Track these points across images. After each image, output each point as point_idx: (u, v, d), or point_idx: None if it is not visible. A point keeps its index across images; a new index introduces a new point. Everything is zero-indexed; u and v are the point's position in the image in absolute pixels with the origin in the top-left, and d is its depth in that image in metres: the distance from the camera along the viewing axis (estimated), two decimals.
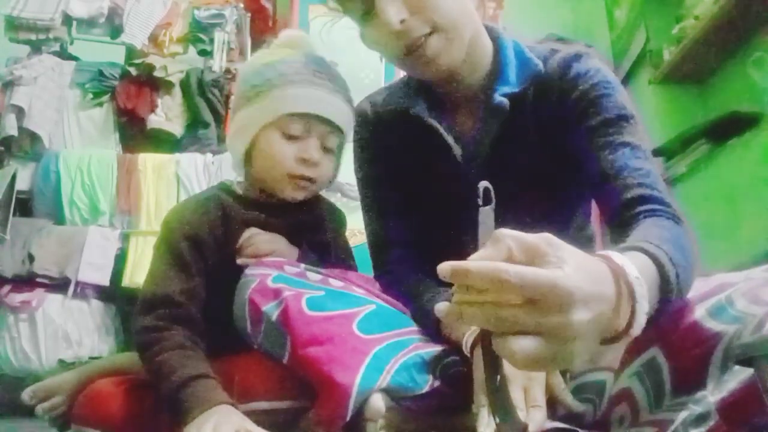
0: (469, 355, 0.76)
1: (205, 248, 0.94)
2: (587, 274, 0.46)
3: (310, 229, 1.04)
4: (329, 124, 0.97)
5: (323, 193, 1.10)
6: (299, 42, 1.04)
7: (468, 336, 0.76)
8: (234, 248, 0.96)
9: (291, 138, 0.95)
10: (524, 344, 0.44)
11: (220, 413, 0.74)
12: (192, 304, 0.89)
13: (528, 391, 0.67)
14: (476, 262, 0.46)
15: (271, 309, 0.78)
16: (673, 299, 0.59)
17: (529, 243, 0.46)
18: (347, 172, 1.09)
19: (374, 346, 0.76)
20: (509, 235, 0.47)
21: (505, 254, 0.46)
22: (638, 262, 0.54)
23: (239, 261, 0.93)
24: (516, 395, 0.65)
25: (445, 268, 0.46)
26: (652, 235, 0.63)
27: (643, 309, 0.51)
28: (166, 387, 0.78)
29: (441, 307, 0.48)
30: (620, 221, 0.77)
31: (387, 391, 0.73)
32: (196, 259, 0.93)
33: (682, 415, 0.59)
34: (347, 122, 1.01)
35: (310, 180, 0.98)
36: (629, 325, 0.51)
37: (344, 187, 2.47)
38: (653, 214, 0.75)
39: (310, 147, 0.96)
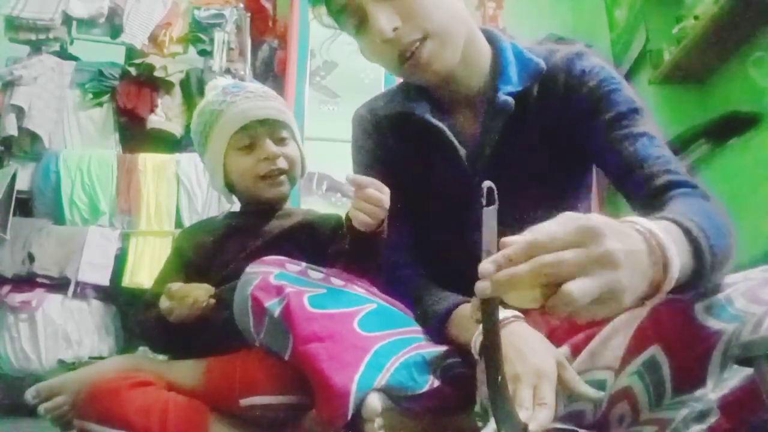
0: (477, 357, 0.76)
1: (193, 257, 1.09)
2: (612, 222, 0.52)
3: (297, 235, 1.09)
4: (267, 123, 1.10)
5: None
6: (215, 84, 1.19)
7: (476, 336, 0.75)
8: (222, 257, 1.07)
9: (246, 149, 1.09)
10: (581, 284, 0.47)
11: None
12: None
13: (537, 389, 0.66)
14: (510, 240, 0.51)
15: (273, 305, 0.78)
16: (708, 267, 0.60)
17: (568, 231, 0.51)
18: (347, 173, 1.08)
19: (375, 344, 0.76)
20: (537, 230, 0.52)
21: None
22: (663, 225, 0.57)
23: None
24: (524, 394, 0.64)
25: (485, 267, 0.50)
26: (677, 210, 0.65)
27: (675, 265, 0.54)
28: None
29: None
30: (652, 208, 0.78)
31: (386, 391, 0.73)
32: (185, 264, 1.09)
33: (683, 413, 0.59)
34: (279, 110, 1.12)
35: (280, 172, 1.10)
36: (663, 278, 0.54)
37: (344, 187, 2.47)
38: (682, 195, 0.77)
39: (265, 146, 1.09)
